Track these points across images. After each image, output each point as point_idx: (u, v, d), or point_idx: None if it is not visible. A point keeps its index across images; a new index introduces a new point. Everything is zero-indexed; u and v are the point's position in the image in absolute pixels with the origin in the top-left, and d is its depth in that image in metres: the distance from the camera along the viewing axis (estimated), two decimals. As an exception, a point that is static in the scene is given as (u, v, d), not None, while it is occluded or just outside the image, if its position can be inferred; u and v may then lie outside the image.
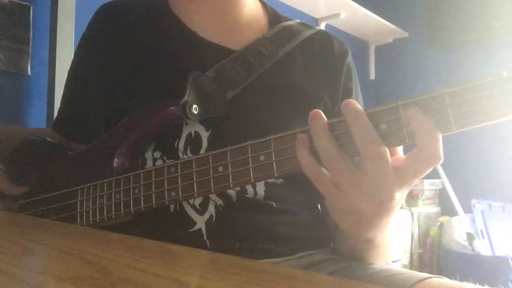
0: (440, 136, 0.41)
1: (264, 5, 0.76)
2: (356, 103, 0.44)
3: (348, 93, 0.71)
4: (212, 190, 0.52)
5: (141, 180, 0.57)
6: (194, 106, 0.59)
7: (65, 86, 0.79)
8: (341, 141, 0.44)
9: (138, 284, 0.28)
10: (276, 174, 0.48)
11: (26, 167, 0.71)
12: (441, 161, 0.42)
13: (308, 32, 0.72)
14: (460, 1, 2.39)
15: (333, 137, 0.44)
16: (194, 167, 0.53)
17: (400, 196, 0.45)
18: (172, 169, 0.55)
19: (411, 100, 0.43)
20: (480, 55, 2.30)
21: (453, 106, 0.41)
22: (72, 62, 0.78)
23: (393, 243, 0.57)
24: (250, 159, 0.49)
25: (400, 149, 0.45)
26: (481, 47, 2.34)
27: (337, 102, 0.70)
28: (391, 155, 0.43)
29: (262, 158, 0.48)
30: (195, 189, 0.53)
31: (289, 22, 0.74)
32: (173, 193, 0.54)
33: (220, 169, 0.51)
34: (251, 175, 0.49)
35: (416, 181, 0.44)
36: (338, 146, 0.44)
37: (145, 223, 0.58)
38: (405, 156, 0.44)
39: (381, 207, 0.45)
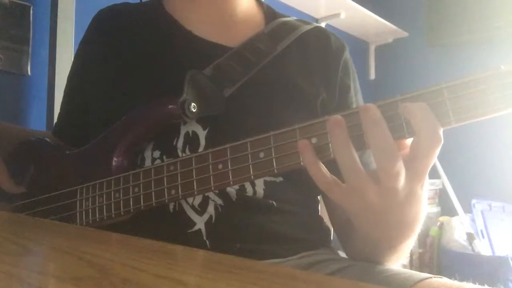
0: (434, 116, 0.41)
1: (259, 2, 0.77)
2: (375, 109, 0.42)
3: (345, 89, 0.71)
4: (212, 188, 0.52)
5: (141, 178, 0.57)
6: (193, 104, 0.59)
7: (64, 91, 0.79)
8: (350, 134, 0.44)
9: (138, 284, 0.28)
10: (276, 171, 0.48)
11: (25, 166, 0.71)
12: (441, 142, 0.41)
13: (305, 28, 0.72)
14: (460, 1, 2.39)
15: (353, 148, 0.43)
16: (193, 164, 0.53)
17: (409, 190, 0.44)
18: (172, 167, 0.55)
19: (410, 95, 0.43)
20: (480, 55, 2.30)
21: (452, 100, 0.41)
22: (71, 68, 0.79)
23: (411, 246, 0.57)
24: (249, 155, 0.49)
25: (409, 144, 0.44)
26: (481, 47, 2.33)
27: (334, 98, 0.70)
28: (400, 148, 0.43)
29: (261, 154, 0.48)
30: (195, 186, 0.52)
31: (286, 18, 0.74)
32: (173, 191, 0.54)
33: (220, 166, 0.51)
34: (251, 172, 0.49)
35: (426, 172, 0.44)
36: (357, 158, 0.43)
37: (144, 224, 0.58)
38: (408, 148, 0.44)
39: (392, 206, 0.45)
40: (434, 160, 0.43)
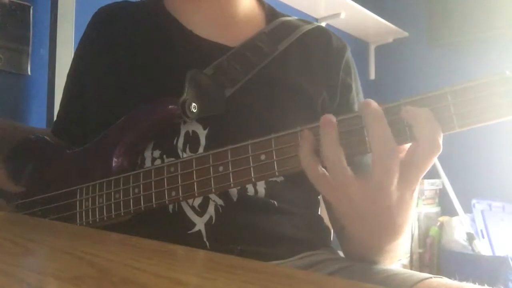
0: (437, 124, 0.41)
1: (260, 2, 0.76)
2: (376, 105, 0.43)
3: (347, 89, 0.71)
4: (213, 190, 0.51)
5: (141, 179, 0.57)
6: (193, 104, 0.59)
7: (64, 90, 0.79)
8: (345, 139, 0.44)
9: (138, 284, 0.28)
10: (277, 173, 0.48)
11: (25, 165, 0.71)
12: (440, 150, 0.41)
13: (306, 27, 0.72)
14: (460, 1, 2.39)
15: (341, 147, 0.44)
16: (194, 166, 0.53)
17: (400, 195, 0.45)
18: (172, 169, 0.54)
19: (414, 99, 0.43)
20: (480, 55, 2.30)
21: (456, 105, 0.41)
22: (71, 66, 0.79)
23: (403, 246, 0.57)
24: (250, 158, 0.49)
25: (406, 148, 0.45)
26: (481, 47, 2.33)
27: (335, 98, 0.69)
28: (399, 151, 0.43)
29: (263, 157, 0.48)
30: (196, 188, 0.52)
31: (287, 18, 0.74)
32: (173, 193, 0.54)
33: (221, 168, 0.51)
34: (252, 175, 0.49)
35: (419, 179, 0.44)
36: (344, 157, 0.44)
37: (144, 225, 0.58)
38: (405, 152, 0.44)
39: (378, 206, 0.46)
40: (431, 165, 0.43)
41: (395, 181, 0.43)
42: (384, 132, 0.42)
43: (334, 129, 0.44)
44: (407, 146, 0.44)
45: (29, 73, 1.31)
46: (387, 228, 0.50)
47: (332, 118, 0.44)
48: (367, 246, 0.58)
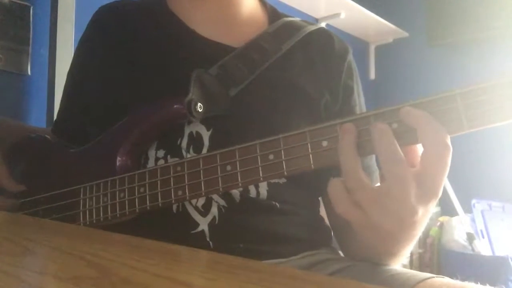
0: (439, 125, 0.41)
1: (263, 3, 0.76)
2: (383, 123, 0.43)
3: (349, 91, 0.71)
4: (220, 189, 0.51)
5: (147, 178, 0.56)
6: (199, 104, 0.59)
7: (64, 89, 0.79)
8: (360, 139, 0.44)
9: (138, 284, 0.28)
10: (285, 173, 0.47)
11: (25, 164, 0.70)
12: (450, 150, 0.41)
13: (309, 28, 0.72)
14: (460, 1, 2.39)
15: (358, 154, 0.43)
16: (201, 165, 0.52)
17: (424, 210, 0.44)
18: (179, 168, 0.54)
19: (423, 100, 0.43)
20: (480, 55, 2.30)
21: (465, 107, 0.41)
22: (71, 65, 0.78)
23: (410, 250, 0.57)
24: (259, 157, 0.49)
25: (419, 153, 0.44)
26: (481, 47, 2.33)
27: (338, 100, 0.69)
28: (410, 157, 0.43)
29: (271, 157, 0.48)
30: (203, 188, 0.52)
31: (290, 18, 0.74)
32: (179, 192, 0.54)
33: (228, 168, 0.50)
34: (260, 174, 0.49)
35: (440, 186, 0.43)
36: (360, 166, 0.43)
37: (147, 225, 0.58)
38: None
39: (404, 223, 0.44)
40: (447, 167, 0.42)
41: (412, 192, 0.42)
42: (392, 148, 0.42)
43: (353, 136, 0.44)
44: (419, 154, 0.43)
45: (29, 73, 1.31)
46: (401, 238, 0.50)
47: (351, 126, 0.44)
48: (377, 252, 0.57)
